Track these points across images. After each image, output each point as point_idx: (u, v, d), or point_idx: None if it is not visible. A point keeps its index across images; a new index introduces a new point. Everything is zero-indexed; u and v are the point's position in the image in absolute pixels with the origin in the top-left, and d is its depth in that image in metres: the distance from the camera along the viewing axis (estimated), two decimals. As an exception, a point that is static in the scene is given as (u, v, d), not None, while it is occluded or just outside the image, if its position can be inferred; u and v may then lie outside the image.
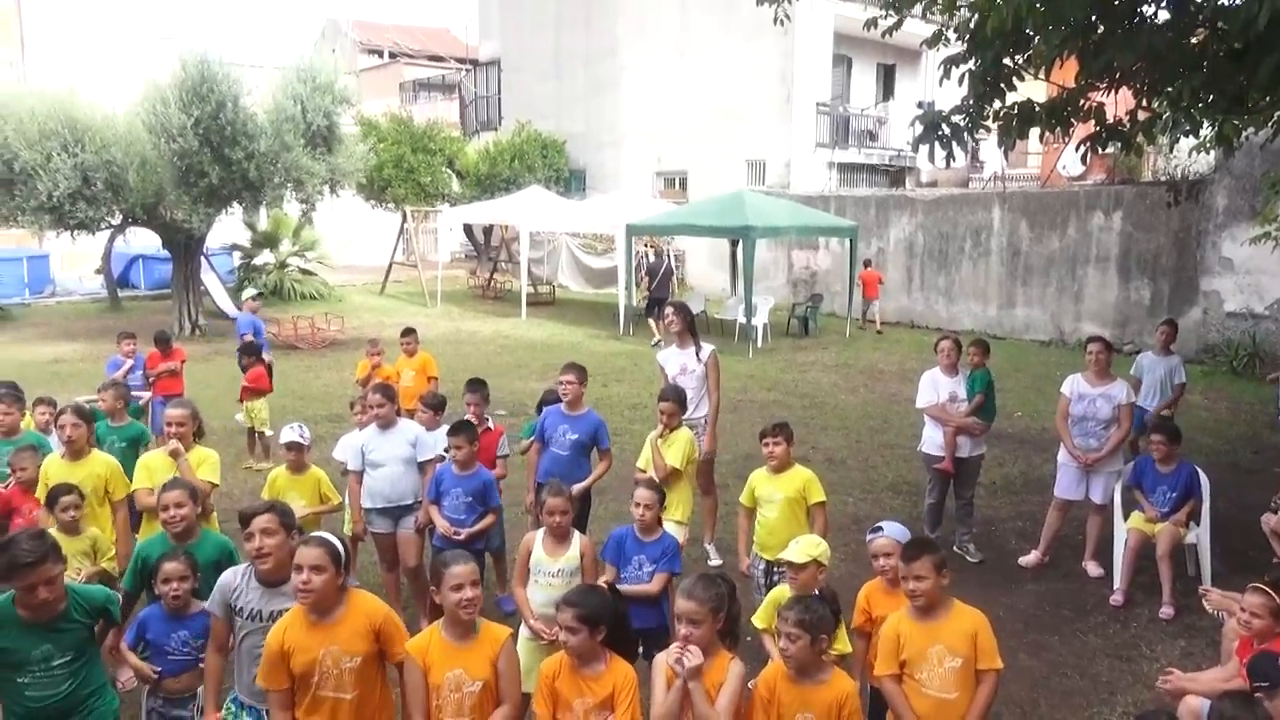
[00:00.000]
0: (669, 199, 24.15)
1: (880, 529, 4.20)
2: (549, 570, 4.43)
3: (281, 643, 3.36)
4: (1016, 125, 7.22)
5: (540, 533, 4.53)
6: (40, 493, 5.15)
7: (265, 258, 23.11)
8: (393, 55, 41.10)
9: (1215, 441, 10.30)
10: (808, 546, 4.08)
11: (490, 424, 6.58)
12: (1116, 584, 6.44)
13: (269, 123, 16.22)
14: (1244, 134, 9.03)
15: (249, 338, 10.73)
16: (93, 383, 9.34)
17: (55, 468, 5.23)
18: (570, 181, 27.66)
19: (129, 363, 9.29)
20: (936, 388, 7.12)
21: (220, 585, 3.73)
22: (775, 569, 5.11)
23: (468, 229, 26.92)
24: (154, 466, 5.22)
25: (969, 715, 3.51)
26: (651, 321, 17.48)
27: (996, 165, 24.16)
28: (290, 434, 5.83)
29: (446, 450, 5.74)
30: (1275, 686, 3.49)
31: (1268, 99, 6.57)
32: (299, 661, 3.34)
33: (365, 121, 24.32)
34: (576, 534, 4.55)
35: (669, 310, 7.07)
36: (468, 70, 34.40)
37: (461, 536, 5.31)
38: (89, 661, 3.57)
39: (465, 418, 6.10)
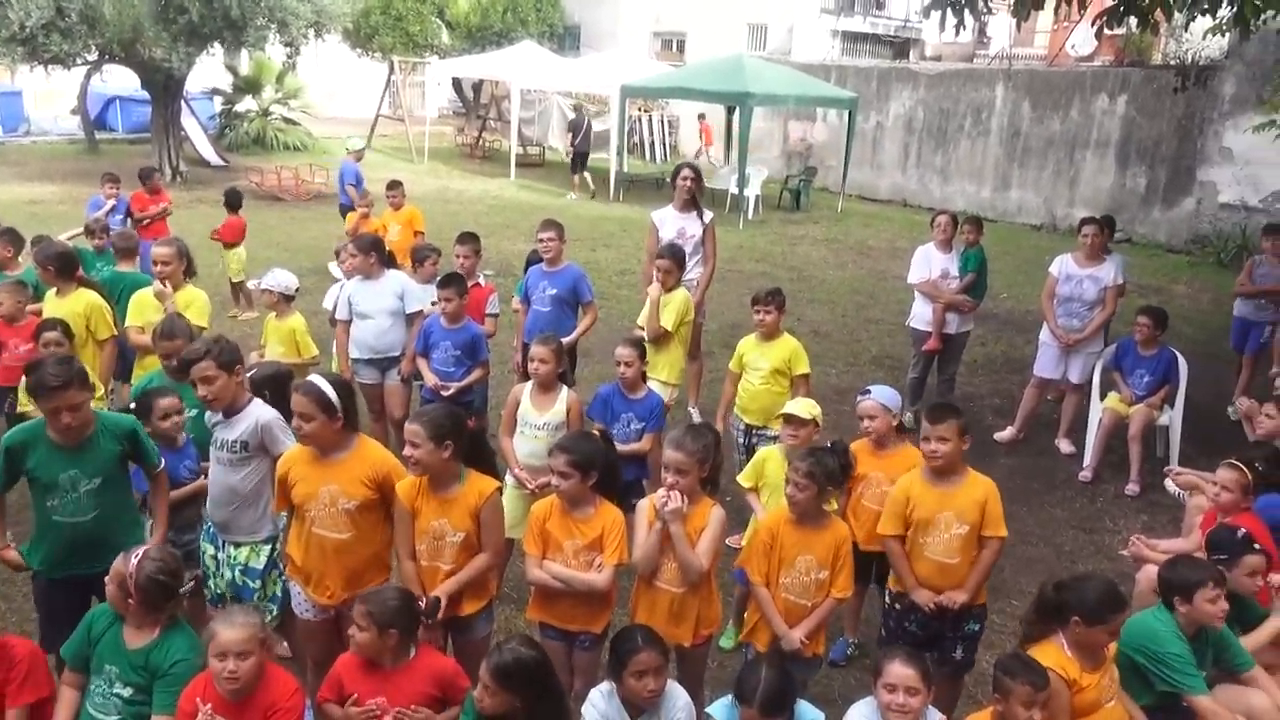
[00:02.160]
0: (666, 61, 23.42)
1: (869, 391, 4.28)
2: (535, 422, 4.49)
3: (287, 471, 3.49)
4: (1033, -6, 6.99)
5: (529, 385, 4.58)
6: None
7: (247, 104, 22.40)
8: (380, -107, 38.89)
9: (1196, 331, 10.41)
10: (808, 404, 4.18)
11: (481, 280, 6.55)
12: (1087, 461, 6.64)
13: (251, -43, 15.46)
14: (1263, 16, 8.76)
15: (350, 187, 10.91)
16: (71, 225, 9.19)
17: (49, 304, 5.30)
18: (564, 38, 26.72)
19: (110, 203, 9.12)
20: (929, 263, 7.12)
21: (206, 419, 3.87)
22: (754, 432, 5.22)
23: (456, 84, 26.12)
24: (145, 305, 5.21)
25: (971, 578, 3.63)
26: (576, 177, 17.99)
27: (1003, 42, 23.47)
28: (268, 280, 5.79)
29: (435, 303, 5.74)
30: (1234, 558, 3.64)
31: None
32: (298, 493, 3.45)
33: (352, -38, 23.21)
34: (564, 389, 4.60)
35: (689, 172, 6.87)
36: (460, -87, 32.66)
37: (450, 391, 5.36)
38: (117, 491, 3.64)
39: (455, 270, 6.06)
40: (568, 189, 18.41)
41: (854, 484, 4.20)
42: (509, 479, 4.41)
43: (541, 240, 6.09)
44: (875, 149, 19.63)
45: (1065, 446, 7.04)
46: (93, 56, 16.68)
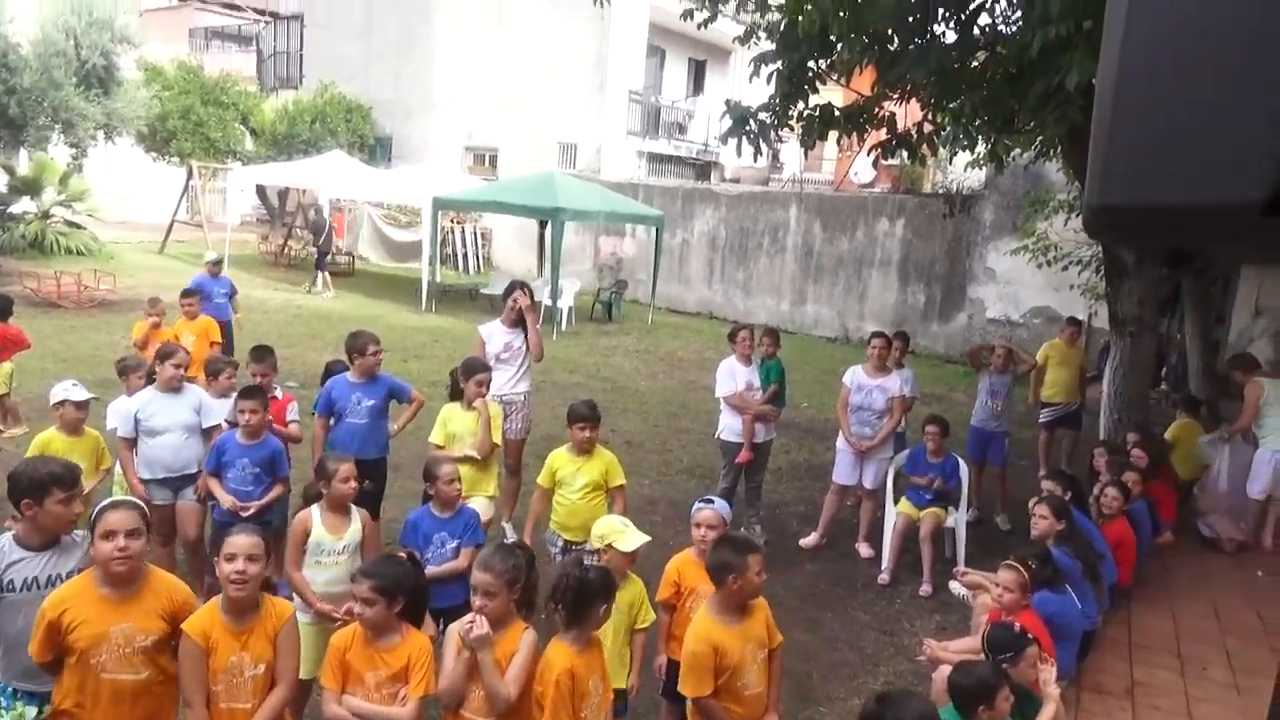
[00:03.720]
0: (478, 175, 23.75)
1: (711, 501, 4.28)
2: (332, 548, 4.25)
3: (60, 614, 3.06)
4: (818, 126, 7.62)
5: (316, 510, 4.32)
6: None
7: (25, 205, 20.83)
8: (183, -2, 38.05)
9: (974, 435, 11.25)
10: (634, 533, 3.99)
11: (279, 392, 6.27)
12: (884, 564, 6.95)
13: (35, 56, 14.61)
14: (1012, 154, 9.93)
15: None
16: None
17: None
18: (375, 149, 26.63)
19: None
20: (734, 377, 7.39)
21: None
22: (573, 547, 5.16)
23: (261, 191, 25.41)
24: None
25: (774, 696, 3.63)
26: (319, 273, 18.83)
27: (795, 168, 25.35)
28: (75, 392, 5.34)
29: (230, 421, 5.44)
30: (1018, 653, 3.86)
31: (1033, 123, 7.24)
32: (82, 636, 3.05)
33: (149, 67, 22.38)
34: (353, 508, 4.40)
35: (519, 290, 6.95)
36: (267, 23, 32.36)
37: (250, 511, 5.05)
38: None
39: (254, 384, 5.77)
40: (381, 298, 18.10)
41: (682, 597, 4.18)
42: (301, 615, 4.14)
43: (376, 352, 5.91)
44: (682, 264, 20.51)
45: (864, 550, 7.37)
46: None
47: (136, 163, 23.98)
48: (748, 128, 7.64)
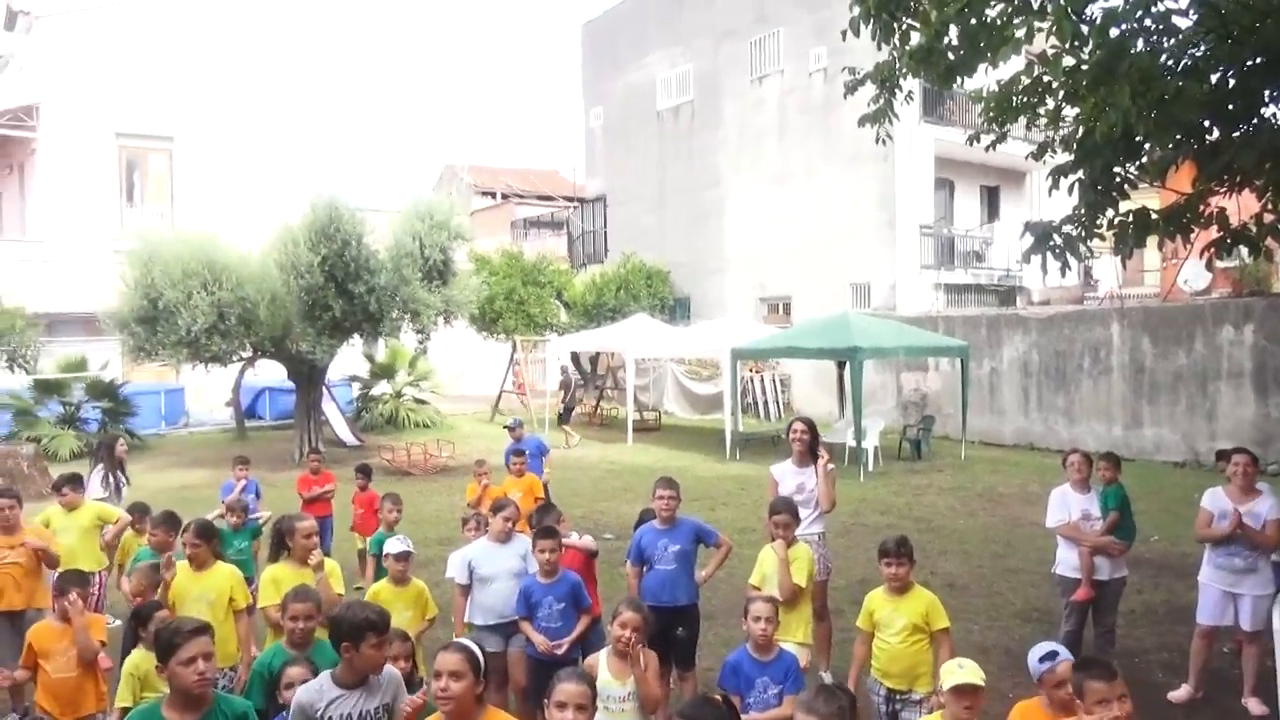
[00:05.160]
0: (773, 323, 24.22)
1: (1056, 654, 3.89)
2: (618, 695, 4.24)
3: None
4: (1133, 233, 6.99)
5: (604, 655, 4.36)
6: (163, 595, 5.40)
7: (382, 388, 24.02)
8: (505, 196, 43.19)
9: (1383, 568, 9.38)
10: (975, 669, 3.74)
11: (573, 537, 6.51)
12: (1284, 723, 5.83)
13: (389, 259, 17.13)
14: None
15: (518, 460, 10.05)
16: (215, 506, 9.72)
17: (182, 576, 5.49)
18: (675, 309, 28.12)
19: (241, 484, 9.65)
20: (1067, 505, 6.75)
21: (301, 704, 3.66)
22: (897, 697, 4.82)
23: (575, 357, 27.52)
24: (281, 580, 5.31)
25: None
26: (565, 427, 20.22)
27: (1111, 283, 23.49)
28: (399, 545, 5.90)
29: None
30: None
31: (1407, 197, 6.24)
32: None
33: (478, 257, 25.48)
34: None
35: (800, 425, 6.93)
36: (575, 207, 35.85)
37: (563, 650, 5.21)
38: None
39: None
40: (688, 449, 18.64)
41: None
42: None
43: (662, 498, 6.05)
44: (993, 394, 19.41)
45: (1255, 707, 6.21)
46: (247, 353, 18.38)
47: (469, 342, 26.95)
48: (1052, 243, 7.17)
